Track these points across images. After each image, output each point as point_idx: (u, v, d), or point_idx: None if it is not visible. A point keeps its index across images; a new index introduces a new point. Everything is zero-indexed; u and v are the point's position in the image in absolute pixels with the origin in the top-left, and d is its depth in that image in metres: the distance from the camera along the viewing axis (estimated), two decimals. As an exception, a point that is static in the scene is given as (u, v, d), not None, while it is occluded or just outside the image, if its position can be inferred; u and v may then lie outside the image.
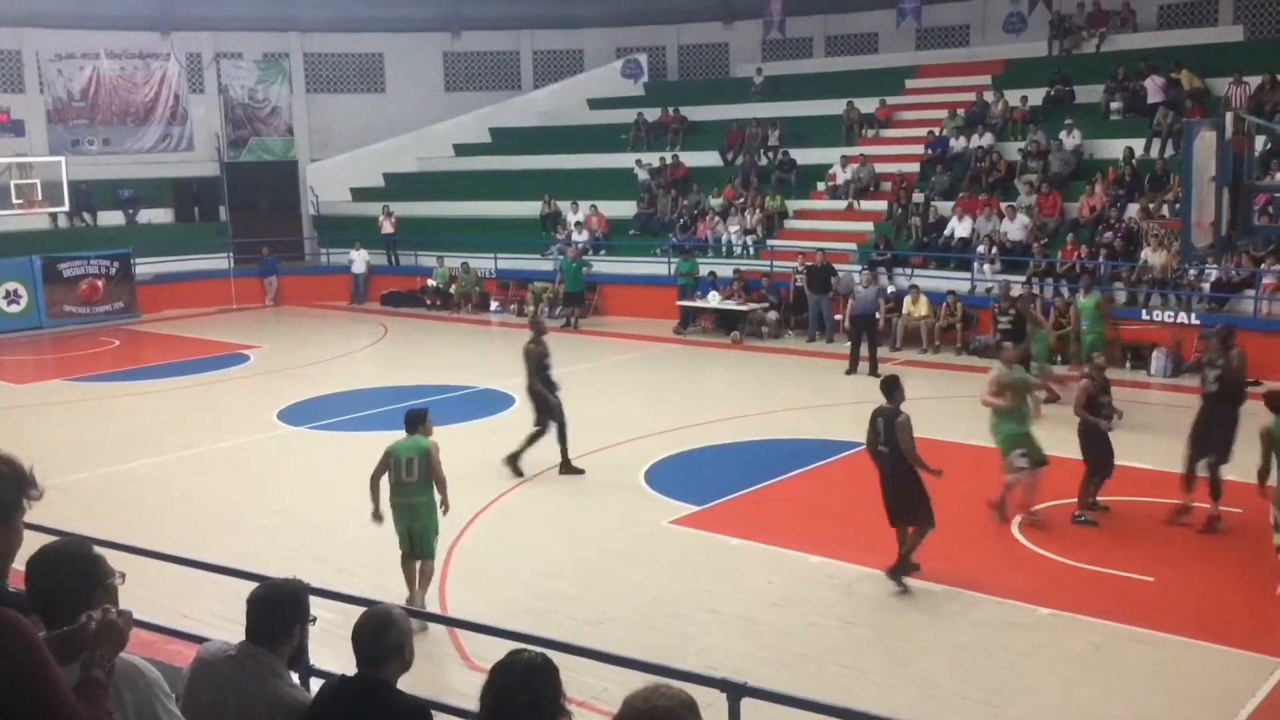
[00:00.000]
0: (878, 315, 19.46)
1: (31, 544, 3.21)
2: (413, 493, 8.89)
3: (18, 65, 29.43)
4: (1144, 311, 18.54)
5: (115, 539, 5.85)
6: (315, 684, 4.39)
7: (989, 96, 25.22)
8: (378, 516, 8.94)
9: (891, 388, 9.33)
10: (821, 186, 25.34)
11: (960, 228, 21.75)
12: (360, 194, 31.18)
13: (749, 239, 24.10)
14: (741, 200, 25.08)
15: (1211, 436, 10.57)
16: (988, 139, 23.91)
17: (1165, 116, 21.76)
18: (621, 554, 10.36)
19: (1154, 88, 22.86)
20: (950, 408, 15.63)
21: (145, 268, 26.84)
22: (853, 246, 22.61)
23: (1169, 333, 17.86)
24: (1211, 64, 23.08)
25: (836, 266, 21.09)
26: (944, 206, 22.63)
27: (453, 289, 26.32)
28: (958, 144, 24.33)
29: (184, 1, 30.48)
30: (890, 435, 9.12)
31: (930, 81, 27.53)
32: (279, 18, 31.40)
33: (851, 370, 18.05)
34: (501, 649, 3.57)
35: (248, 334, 23.72)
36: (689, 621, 8.76)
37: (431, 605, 9.03)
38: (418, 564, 9.05)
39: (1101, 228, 20.29)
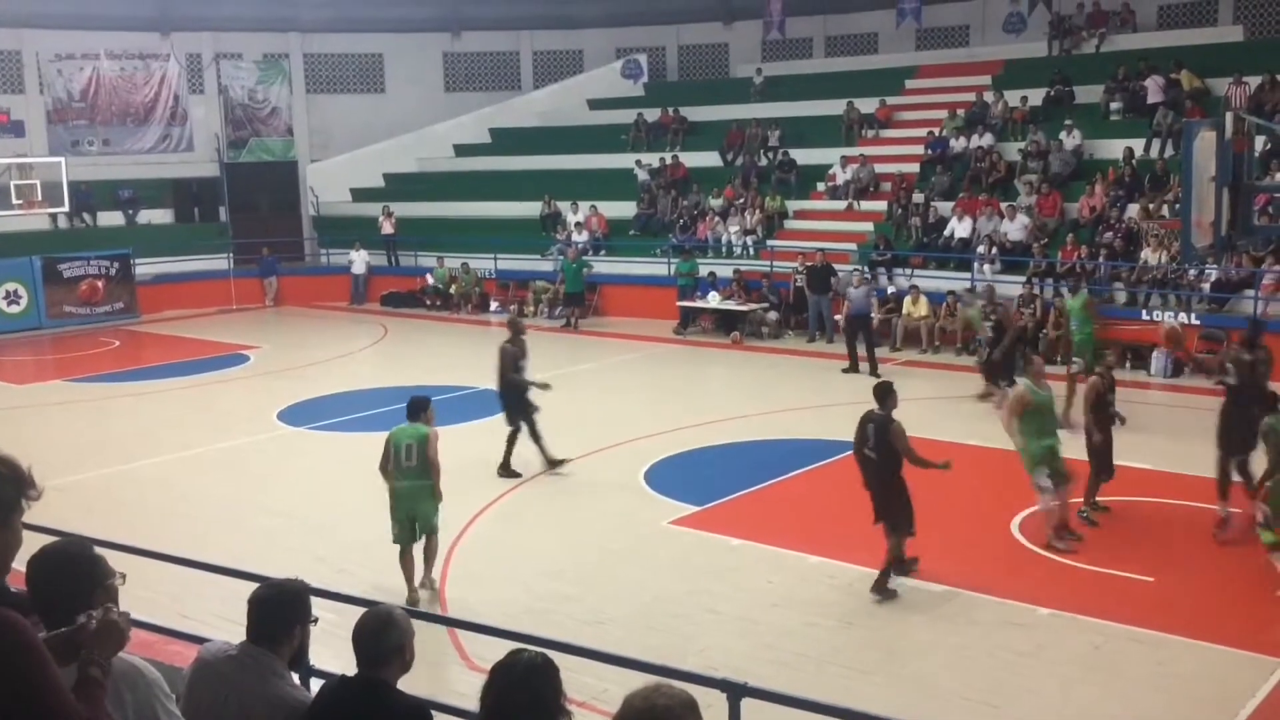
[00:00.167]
0: (873, 315, 19.46)
1: (31, 544, 3.21)
2: (413, 476, 9.14)
3: (18, 66, 29.43)
4: (1144, 311, 18.55)
5: (115, 539, 5.84)
6: (315, 684, 4.39)
7: (989, 97, 25.22)
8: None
9: (885, 394, 9.22)
10: (821, 187, 25.34)
11: (960, 228, 21.75)
12: (360, 194, 31.18)
13: (749, 239, 24.10)
14: (741, 200, 25.08)
15: (1234, 436, 10.34)
16: (988, 139, 23.91)
17: (1165, 117, 21.76)
18: (621, 554, 10.35)
19: (1154, 88, 22.85)
20: (950, 408, 15.66)
21: (145, 268, 26.85)
22: (853, 247, 22.61)
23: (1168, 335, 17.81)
24: (1211, 64, 23.08)
25: (836, 267, 21.09)
26: (944, 207, 22.63)
27: (453, 289, 26.32)
28: (958, 144, 24.33)
29: (184, 2, 30.48)
30: (880, 441, 9.06)
31: (930, 82, 27.52)
32: (279, 18, 31.41)
33: (851, 370, 18.05)
34: (501, 649, 3.57)
35: (248, 334, 23.72)
36: (689, 621, 8.76)
37: (431, 605, 9.05)
38: (417, 554, 9.27)
39: (1101, 228, 20.29)
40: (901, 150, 25.15)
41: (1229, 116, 10.57)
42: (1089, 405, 10.76)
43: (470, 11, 33.14)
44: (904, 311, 20.38)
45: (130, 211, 29.67)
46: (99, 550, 3.35)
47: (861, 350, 18.20)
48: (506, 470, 12.69)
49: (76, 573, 3.19)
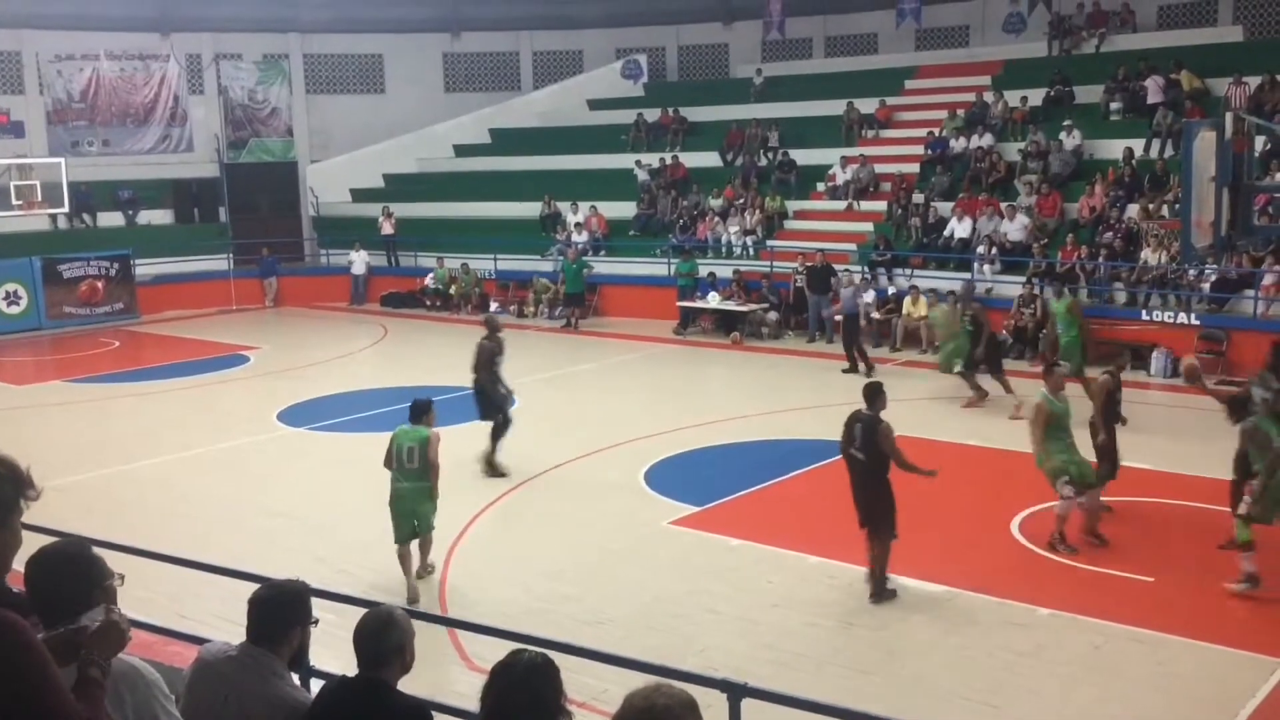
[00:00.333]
0: (859, 315, 19.55)
1: (31, 545, 3.21)
2: (414, 478, 9.37)
3: (17, 66, 29.42)
4: (1144, 312, 18.55)
5: (115, 540, 5.84)
6: (316, 685, 4.39)
7: (989, 97, 25.22)
8: None
9: (874, 395, 9.15)
10: (821, 187, 25.34)
11: (960, 228, 21.75)
12: (360, 195, 31.18)
13: (749, 239, 24.09)
14: (741, 201, 25.08)
15: (1250, 463, 9.88)
16: (987, 139, 23.91)
17: (1165, 117, 21.76)
18: (621, 554, 10.35)
19: (1154, 88, 22.85)
20: (949, 408, 15.66)
21: (145, 269, 26.84)
22: (853, 247, 22.61)
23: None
24: (1211, 64, 23.08)
25: (836, 267, 21.10)
26: (944, 207, 22.62)
27: (452, 290, 26.32)
28: (957, 144, 24.33)
29: (184, 2, 30.48)
30: (867, 442, 9.01)
31: (930, 82, 27.52)
32: (279, 18, 31.41)
33: (850, 370, 18.05)
34: (501, 649, 3.57)
35: (248, 335, 23.72)
36: (689, 622, 8.76)
37: (431, 605, 9.05)
38: (414, 548, 9.51)
39: (1101, 228, 20.29)
40: (901, 150, 25.15)
41: (1229, 116, 10.58)
42: (1099, 404, 10.76)
43: (470, 12, 33.14)
44: (904, 312, 20.39)
45: (130, 212, 29.66)
46: (98, 551, 3.35)
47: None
48: (491, 468, 12.68)
49: (75, 573, 3.19)
